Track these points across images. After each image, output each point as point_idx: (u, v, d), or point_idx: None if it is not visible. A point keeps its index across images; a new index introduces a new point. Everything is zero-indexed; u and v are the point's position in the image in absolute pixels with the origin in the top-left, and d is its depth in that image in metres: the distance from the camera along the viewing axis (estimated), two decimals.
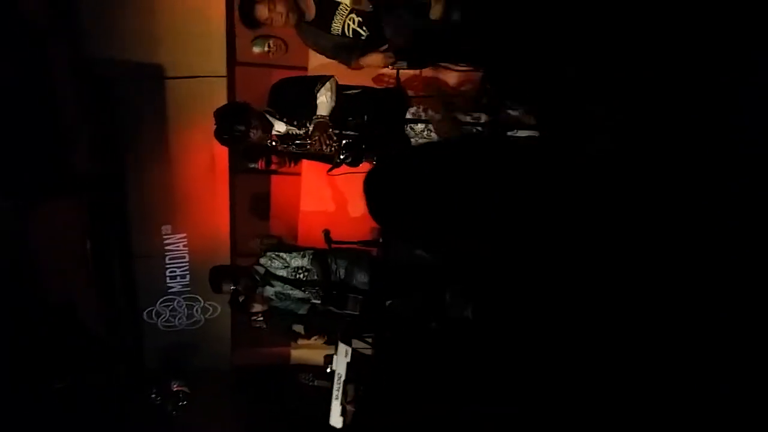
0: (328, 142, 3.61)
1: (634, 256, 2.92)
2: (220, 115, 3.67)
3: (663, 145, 2.99)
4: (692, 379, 2.71)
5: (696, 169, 2.83)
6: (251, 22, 3.55)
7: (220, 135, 3.66)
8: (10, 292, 4.59)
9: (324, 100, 3.61)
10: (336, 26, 3.60)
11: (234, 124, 3.60)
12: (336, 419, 4.10)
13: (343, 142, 3.67)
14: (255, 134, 3.63)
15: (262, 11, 3.47)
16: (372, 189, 2.55)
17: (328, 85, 3.62)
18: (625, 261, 2.93)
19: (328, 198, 5.27)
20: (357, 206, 5.26)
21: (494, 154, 2.82)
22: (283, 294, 4.12)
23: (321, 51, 3.80)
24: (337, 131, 3.65)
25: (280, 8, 3.47)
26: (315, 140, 3.61)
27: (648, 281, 2.89)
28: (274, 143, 3.77)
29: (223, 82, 4.72)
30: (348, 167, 3.81)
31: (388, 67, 3.68)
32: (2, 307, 4.55)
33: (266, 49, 4.71)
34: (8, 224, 4.43)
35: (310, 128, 3.66)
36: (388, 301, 4.08)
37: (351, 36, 3.63)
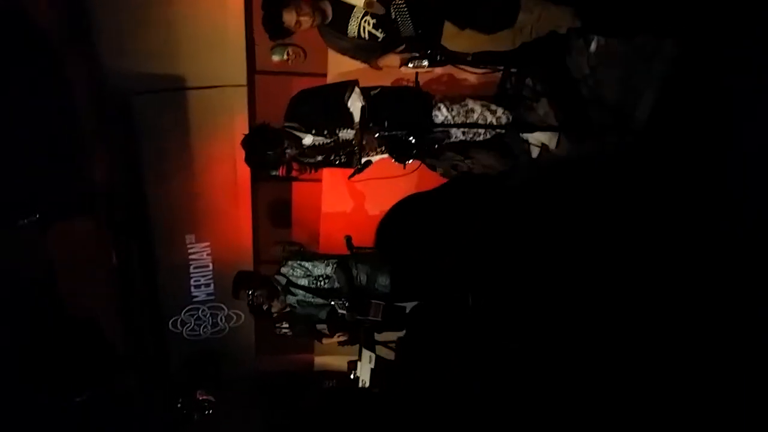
0: (373, 142, 3.61)
1: (633, 258, 2.91)
2: (248, 144, 3.65)
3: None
4: (691, 377, 2.68)
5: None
6: (279, 31, 3.56)
7: (256, 164, 3.68)
8: (37, 307, 4.65)
9: (358, 105, 3.61)
10: (352, 29, 3.61)
11: (264, 150, 3.58)
12: None
13: (388, 140, 3.63)
14: (290, 154, 3.62)
15: (290, 17, 3.49)
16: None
17: (357, 90, 3.62)
18: (624, 263, 2.92)
19: (349, 204, 5.27)
20: (378, 211, 5.25)
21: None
22: (305, 302, 4.12)
23: (342, 52, 3.82)
24: (376, 134, 3.64)
25: (306, 9, 3.49)
26: (366, 145, 3.62)
27: (645, 279, 2.87)
28: (301, 158, 3.75)
29: (244, 91, 4.75)
30: (368, 173, 3.81)
31: (408, 66, 3.66)
32: (29, 321, 4.60)
33: (285, 57, 4.73)
34: (34, 240, 4.49)
35: (341, 134, 3.65)
36: (410, 305, 4.06)
37: (367, 38, 3.64)
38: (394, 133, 3.58)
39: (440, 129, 3.75)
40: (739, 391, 2.54)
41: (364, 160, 3.68)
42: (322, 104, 3.69)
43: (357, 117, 3.61)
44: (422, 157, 3.76)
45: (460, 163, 4.07)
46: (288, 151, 3.61)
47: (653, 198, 3.01)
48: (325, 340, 4.51)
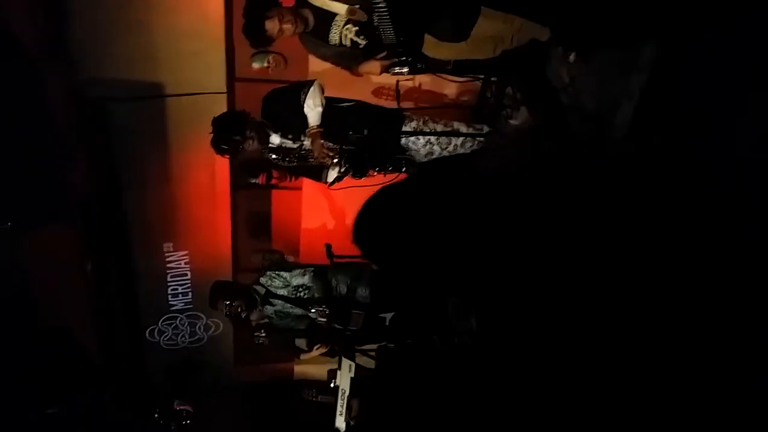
0: (327, 151, 3.60)
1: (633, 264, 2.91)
2: (218, 124, 3.65)
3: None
4: (692, 379, 2.70)
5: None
6: (262, 39, 3.55)
7: (217, 144, 3.65)
8: (10, 316, 4.56)
9: (310, 111, 3.59)
10: (334, 36, 3.61)
11: (230, 133, 3.58)
12: None
13: (345, 154, 3.65)
14: (251, 145, 3.61)
15: (272, 25, 3.48)
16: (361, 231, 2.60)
17: (311, 92, 3.58)
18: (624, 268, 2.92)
19: (330, 212, 5.25)
20: None
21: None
22: (283, 312, 4.09)
23: (323, 59, 3.82)
24: (336, 146, 3.65)
25: (289, 17, 3.49)
26: (316, 153, 3.61)
27: (645, 285, 2.88)
28: (273, 157, 3.76)
29: (224, 98, 4.72)
30: (349, 181, 3.81)
31: (388, 72, 3.67)
32: (2, 330, 4.52)
33: (266, 64, 4.71)
34: (7, 248, 4.41)
35: (305, 141, 3.65)
36: (389, 315, 4.05)
37: (349, 45, 3.64)
38: (350, 147, 3.58)
39: (408, 151, 3.78)
40: (739, 391, 2.56)
41: (335, 173, 3.68)
42: (285, 107, 3.69)
43: (311, 122, 3.60)
44: (383, 172, 3.76)
45: None
46: (250, 141, 3.59)
47: (635, 204, 3.03)
48: (302, 356, 4.49)
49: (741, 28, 2.68)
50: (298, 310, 4.06)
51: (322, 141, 3.60)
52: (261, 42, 3.57)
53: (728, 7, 2.75)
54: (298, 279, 4.13)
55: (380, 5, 3.35)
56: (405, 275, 4.10)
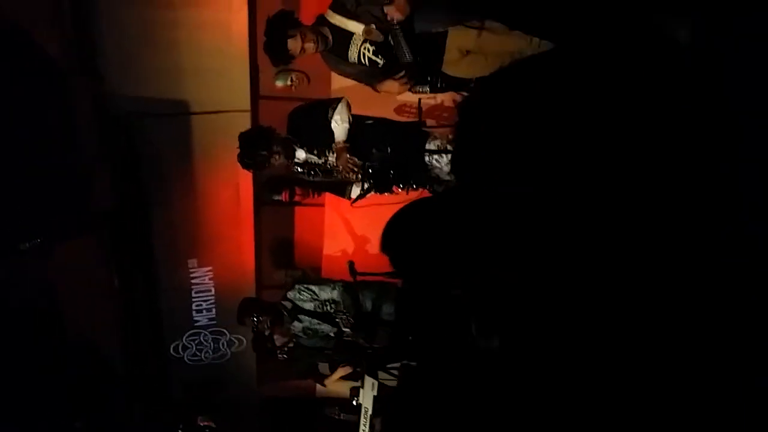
0: (351, 166, 3.62)
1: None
2: (245, 139, 3.70)
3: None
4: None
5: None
6: (284, 58, 3.59)
7: (242, 159, 3.69)
8: (38, 329, 4.61)
9: (337, 126, 3.63)
10: (352, 55, 3.65)
11: (257, 148, 3.62)
12: None
13: (369, 170, 3.65)
14: (277, 160, 3.66)
15: (295, 44, 3.53)
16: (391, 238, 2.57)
17: (339, 108, 3.64)
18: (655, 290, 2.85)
19: (352, 229, 5.25)
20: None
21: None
22: (311, 329, 4.08)
23: (345, 75, 3.85)
24: (360, 162, 3.66)
25: (310, 36, 3.53)
26: (341, 167, 3.64)
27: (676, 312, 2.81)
28: (298, 170, 3.79)
29: (247, 116, 4.76)
30: (371, 199, 3.81)
31: (410, 91, 3.69)
32: (30, 344, 4.57)
33: (289, 82, 4.75)
34: (36, 263, 4.47)
35: (330, 157, 3.67)
36: (413, 335, 4.02)
37: (368, 64, 3.66)
38: (374, 163, 3.60)
39: (432, 169, 3.78)
40: (739, 391, 2.50)
41: (358, 190, 3.69)
42: (311, 123, 3.73)
43: (338, 137, 3.63)
44: (406, 188, 3.75)
45: None
46: (276, 156, 3.63)
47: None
48: (326, 381, 4.48)
49: None
50: (325, 327, 4.05)
51: (347, 155, 3.61)
52: (283, 60, 3.61)
53: None
54: (327, 293, 4.13)
55: (395, 26, 3.37)
56: (430, 292, 4.07)
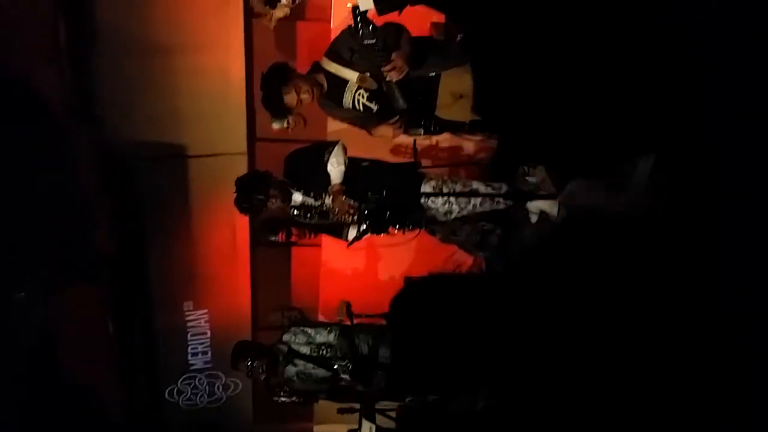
0: (347, 208, 3.63)
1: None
2: (241, 184, 3.72)
3: None
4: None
5: None
6: (282, 112, 3.65)
7: (239, 203, 3.70)
8: (32, 376, 4.57)
9: (333, 169, 3.67)
10: (347, 101, 3.71)
11: (253, 193, 3.63)
12: None
13: (365, 212, 3.67)
14: (274, 203, 3.67)
15: (291, 98, 3.60)
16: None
17: (335, 151, 3.66)
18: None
19: (349, 269, 5.24)
20: (377, 277, 5.22)
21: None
22: (305, 374, 4.04)
23: (340, 120, 3.91)
24: (356, 204, 3.68)
25: (306, 87, 3.59)
26: (337, 209, 3.66)
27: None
28: (294, 213, 3.81)
29: (244, 158, 4.80)
30: (367, 240, 3.82)
31: (405, 134, 3.75)
32: (24, 390, 4.52)
33: (286, 125, 4.79)
34: (31, 308, 4.45)
35: (326, 199, 3.70)
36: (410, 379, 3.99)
37: (362, 110, 3.72)
38: (370, 205, 3.62)
39: (429, 208, 3.81)
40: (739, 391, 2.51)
41: (354, 232, 3.70)
42: (307, 166, 3.76)
43: (334, 180, 3.66)
44: (402, 230, 3.78)
45: (459, 229, 4.08)
46: (273, 200, 3.64)
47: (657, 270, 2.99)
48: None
49: None
50: (320, 371, 4.01)
51: (343, 198, 3.64)
52: (282, 114, 3.67)
53: None
54: (323, 336, 4.10)
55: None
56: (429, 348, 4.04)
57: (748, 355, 2.55)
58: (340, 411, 4.40)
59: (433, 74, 3.57)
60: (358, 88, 3.63)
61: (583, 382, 2.96)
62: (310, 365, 4.01)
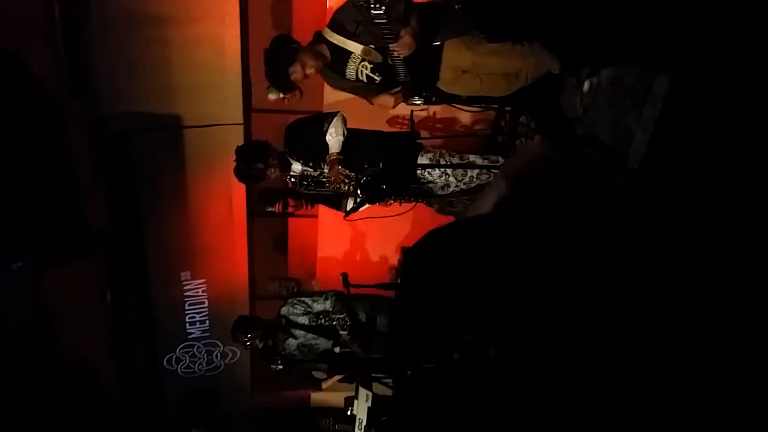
0: (344, 178, 3.66)
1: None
2: (241, 153, 3.74)
3: None
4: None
5: None
6: (290, 86, 3.63)
7: (239, 172, 3.72)
8: (29, 349, 4.61)
9: (331, 139, 3.69)
10: (350, 72, 3.69)
11: (253, 161, 3.66)
12: None
13: (361, 182, 3.70)
14: (273, 173, 3.70)
15: (297, 73, 3.57)
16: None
17: (334, 122, 3.69)
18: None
19: (346, 240, 5.28)
20: (374, 248, 5.27)
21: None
22: (306, 346, 4.09)
23: (342, 90, 3.90)
24: (352, 174, 3.70)
25: (311, 61, 3.56)
26: (332, 178, 3.68)
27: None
28: (293, 181, 3.83)
29: (240, 129, 4.79)
30: (364, 212, 3.85)
31: (405, 102, 3.75)
32: (22, 360, 4.56)
33: (281, 95, 4.78)
34: (28, 281, 4.46)
35: (325, 169, 3.72)
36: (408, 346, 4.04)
37: (365, 80, 3.70)
38: (367, 177, 3.64)
39: (426, 180, 3.83)
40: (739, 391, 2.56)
41: (352, 204, 3.72)
42: (308, 136, 3.78)
43: (332, 149, 3.68)
44: (399, 201, 3.80)
45: (456, 200, 4.11)
46: (273, 169, 3.68)
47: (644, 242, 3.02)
48: (323, 384, 4.49)
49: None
50: (321, 342, 4.06)
51: (339, 167, 3.66)
52: (289, 88, 3.66)
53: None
54: (321, 305, 4.13)
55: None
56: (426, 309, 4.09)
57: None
58: (341, 380, 4.47)
59: (438, 43, 3.54)
60: (362, 60, 3.61)
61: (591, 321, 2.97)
62: (311, 335, 4.06)
